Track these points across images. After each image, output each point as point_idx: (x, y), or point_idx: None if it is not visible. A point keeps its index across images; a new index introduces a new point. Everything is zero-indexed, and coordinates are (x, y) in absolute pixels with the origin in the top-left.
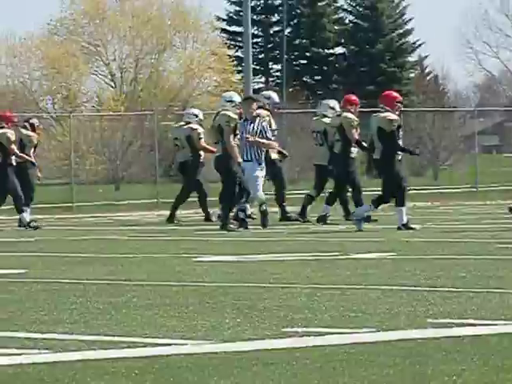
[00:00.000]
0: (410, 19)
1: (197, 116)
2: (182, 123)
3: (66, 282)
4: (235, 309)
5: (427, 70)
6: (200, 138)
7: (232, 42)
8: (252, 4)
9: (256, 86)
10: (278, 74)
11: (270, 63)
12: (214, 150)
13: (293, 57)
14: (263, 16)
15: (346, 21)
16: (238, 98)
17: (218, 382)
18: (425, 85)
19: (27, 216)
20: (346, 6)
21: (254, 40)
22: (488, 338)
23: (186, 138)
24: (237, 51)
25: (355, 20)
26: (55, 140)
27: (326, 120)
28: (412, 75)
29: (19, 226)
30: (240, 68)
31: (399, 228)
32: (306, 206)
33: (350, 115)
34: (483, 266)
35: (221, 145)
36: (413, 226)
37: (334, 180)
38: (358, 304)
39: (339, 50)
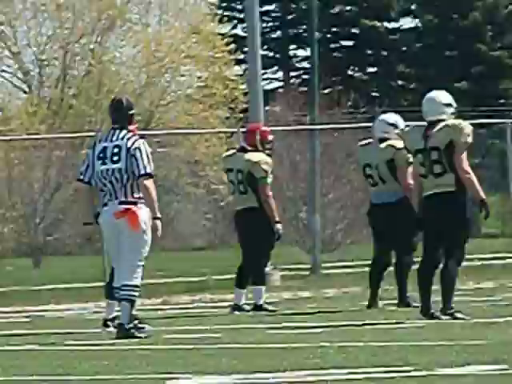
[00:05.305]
0: None
1: (396, 126)
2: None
3: None
4: None
5: None
6: (409, 163)
7: (226, 13)
8: None
9: (268, 86)
10: (303, 64)
11: (291, 47)
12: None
13: (329, 36)
14: None
15: None
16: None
17: None
18: None
19: None
20: None
21: (264, 8)
22: None
23: (386, 163)
24: (234, 27)
25: None
26: None
27: None
28: None
29: None
30: (240, 56)
31: None
32: None
33: None
34: None
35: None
36: None
37: None
38: None
39: (407, 22)
